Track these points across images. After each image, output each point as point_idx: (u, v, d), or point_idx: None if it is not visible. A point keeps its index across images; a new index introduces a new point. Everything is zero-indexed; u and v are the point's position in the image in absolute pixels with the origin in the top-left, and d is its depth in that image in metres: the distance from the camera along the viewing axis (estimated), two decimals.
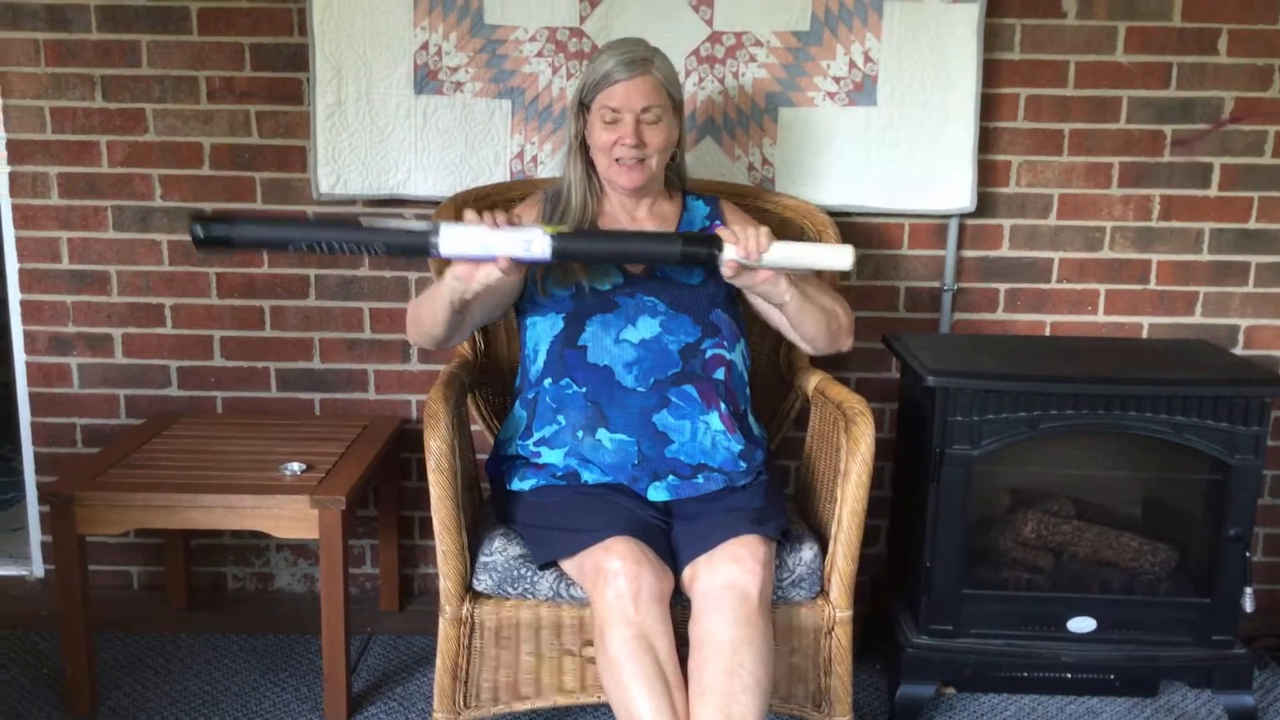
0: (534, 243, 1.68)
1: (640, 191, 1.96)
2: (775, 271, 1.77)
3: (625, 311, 1.90)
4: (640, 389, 1.86)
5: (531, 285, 1.95)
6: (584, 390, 1.87)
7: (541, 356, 1.93)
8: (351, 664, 2.20)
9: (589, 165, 1.96)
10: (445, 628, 1.83)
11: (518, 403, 1.99)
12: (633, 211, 2.00)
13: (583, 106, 1.92)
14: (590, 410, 1.86)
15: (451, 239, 1.68)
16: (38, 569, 2.58)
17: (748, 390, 1.99)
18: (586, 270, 1.91)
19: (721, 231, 1.75)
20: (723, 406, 1.88)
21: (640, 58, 1.88)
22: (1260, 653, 2.37)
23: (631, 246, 1.82)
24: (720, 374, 1.91)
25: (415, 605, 2.55)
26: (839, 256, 1.78)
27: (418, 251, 1.73)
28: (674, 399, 1.86)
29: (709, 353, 1.91)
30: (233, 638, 2.40)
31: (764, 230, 1.75)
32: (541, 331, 1.93)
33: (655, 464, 1.85)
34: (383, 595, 2.53)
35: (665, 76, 1.91)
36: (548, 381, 1.91)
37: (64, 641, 2.07)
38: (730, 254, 1.73)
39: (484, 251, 1.68)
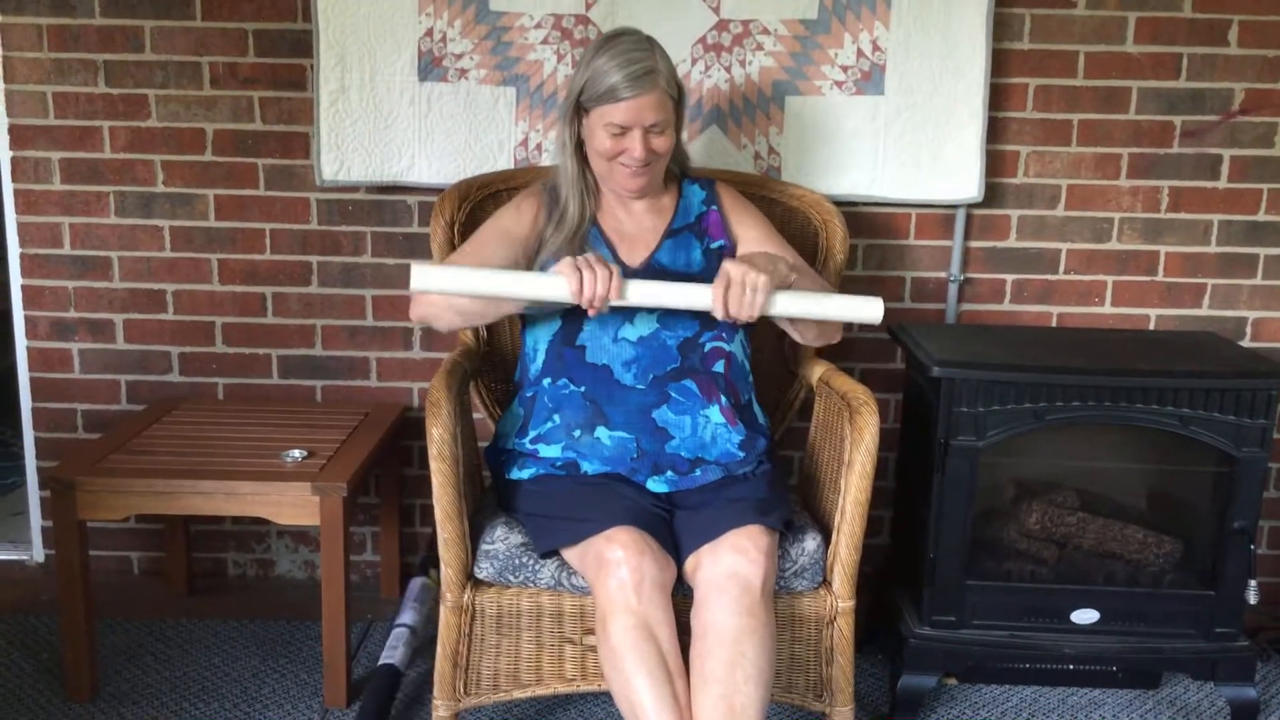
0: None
1: (637, 193, 1.94)
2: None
3: (623, 309, 1.88)
4: (639, 386, 1.85)
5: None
6: (582, 389, 1.86)
7: (541, 355, 1.92)
8: (352, 651, 2.19)
9: (584, 164, 1.93)
10: (446, 615, 1.83)
11: (516, 400, 1.98)
12: (629, 205, 1.98)
13: (580, 109, 1.88)
14: (589, 409, 1.85)
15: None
16: (38, 554, 2.58)
17: (750, 379, 1.97)
18: None
19: (715, 288, 1.72)
20: (723, 400, 1.87)
21: (646, 70, 1.79)
22: (1263, 645, 2.36)
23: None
24: (720, 367, 1.89)
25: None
26: (867, 309, 1.80)
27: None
28: (674, 394, 1.85)
29: (708, 346, 1.90)
30: (233, 623, 2.40)
31: (761, 287, 1.70)
32: (540, 330, 1.92)
33: (654, 458, 1.84)
34: (383, 582, 2.52)
35: (668, 80, 1.83)
36: (546, 381, 1.90)
37: (64, 626, 2.07)
38: (713, 305, 1.73)
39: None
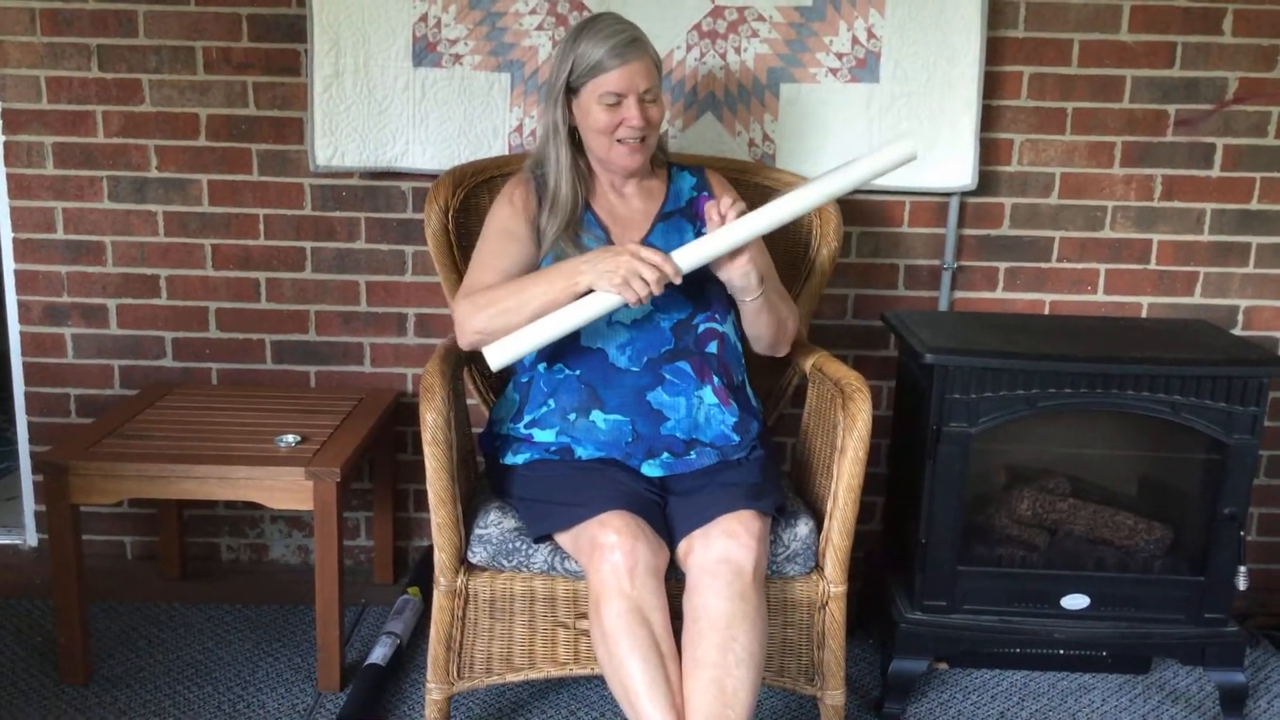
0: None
1: (635, 170, 1.95)
2: (751, 264, 1.79)
3: None
4: (634, 369, 1.86)
5: (531, 267, 1.94)
6: (577, 373, 1.86)
7: None
8: (345, 635, 2.20)
9: (575, 150, 1.94)
10: (439, 599, 1.83)
11: (511, 385, 1.98)
12: (621, 189, 1.98)
13: (569, 92, 1.89)
14: (584, 392, 1.85)
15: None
16: (31, 538, 2.58)
17: (743, 361, 1.98)
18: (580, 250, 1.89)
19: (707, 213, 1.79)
20: (716, 380, 1.88)
21: (633, 38, 1.85)
22: (1252, 631, 2.38)
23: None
24: (713, 348, 1.90)
25: (409, 577, 2.55)
26: (898, 151, 1.73)
27: None
28: (668, 376, 1.86)
29: (701, 327, 1.90)
30: (226, 608, 2.41)
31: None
32: None
33: (650, 441, 1.84)
34: (377, 567, 2.53)
35: (653, 52, 1.89)
36: (541, 366, 1.90)
37: (58, 611, 2.07)
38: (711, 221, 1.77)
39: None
